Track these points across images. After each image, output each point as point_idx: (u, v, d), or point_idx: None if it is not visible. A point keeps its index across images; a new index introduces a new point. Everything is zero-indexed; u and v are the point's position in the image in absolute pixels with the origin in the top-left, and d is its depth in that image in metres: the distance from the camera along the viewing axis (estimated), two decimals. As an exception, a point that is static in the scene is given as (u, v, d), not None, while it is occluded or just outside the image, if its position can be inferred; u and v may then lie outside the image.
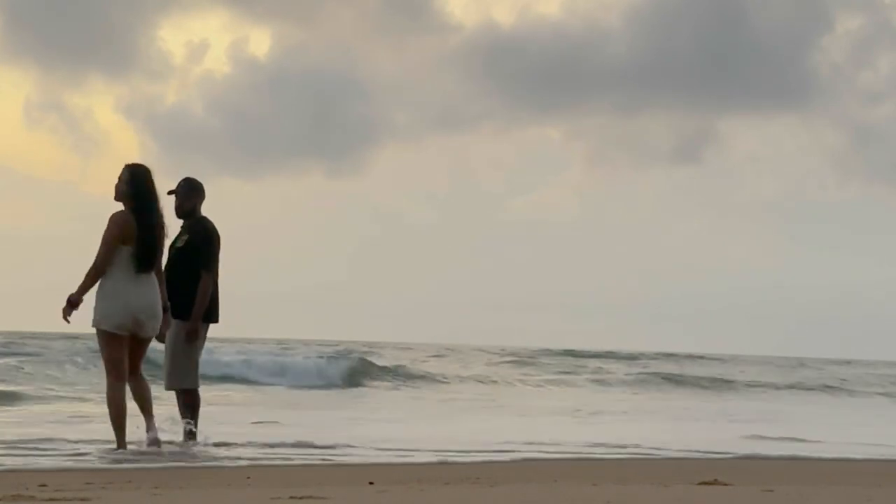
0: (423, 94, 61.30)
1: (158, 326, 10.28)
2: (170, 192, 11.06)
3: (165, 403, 11.34)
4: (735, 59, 53.15)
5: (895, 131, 61.94)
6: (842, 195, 68.30)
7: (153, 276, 10.19)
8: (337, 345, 47.62)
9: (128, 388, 10.24)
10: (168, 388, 11.04)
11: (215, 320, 11.11)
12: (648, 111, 62.40)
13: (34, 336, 40.28)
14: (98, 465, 9.37)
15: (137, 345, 10.24)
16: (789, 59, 53.90)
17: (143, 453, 10.07)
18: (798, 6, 54.63)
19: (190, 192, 11.10)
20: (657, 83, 55.04)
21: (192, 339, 10.87)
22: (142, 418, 10.29)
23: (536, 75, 56.46)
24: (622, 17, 57.00)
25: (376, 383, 28.94)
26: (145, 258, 10.07)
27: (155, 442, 10.19)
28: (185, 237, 11.01)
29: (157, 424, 10.26)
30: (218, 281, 11.06)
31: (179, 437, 10.92)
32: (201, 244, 10.96)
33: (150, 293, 10.13)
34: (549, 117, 65.54)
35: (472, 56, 57.57)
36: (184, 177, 11.18)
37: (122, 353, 10.16)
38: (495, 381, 32.16)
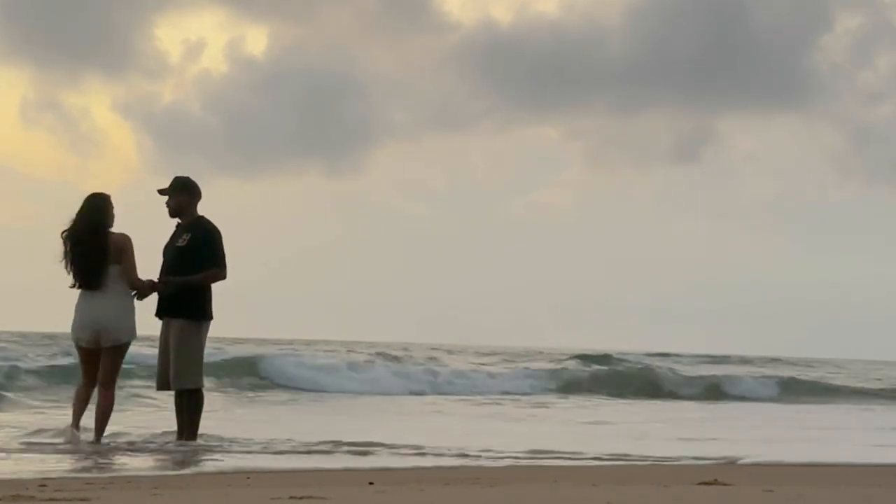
0: (421, 93, 61.22)
1: (110, 338, 10.68)
2: (160, 192, 11.06)
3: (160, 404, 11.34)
4: (734, 58, 53.06)
5: (895, 131, 61.84)
6: (841, 195, 68.23)
7: (104, 292, 10.65)
8: (347, 346, 47.48)
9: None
10: (174, 388, 11.00)
11: (212, 317, 11.10)
12: (647, 110, 62.32)
13: (30, 336, 40.20)
14: (98, 465, 9.38)
15: (103, 356, 10.72)
16: (789, 58, 53.83)
17: (142, 453, 10.11)
18: (797, 5, 54.57)
19: (178, 191, 11.08)
20: (656, 82, 54.96)
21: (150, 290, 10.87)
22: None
23: (535, 74, 56.36)
24: (621, 16, 56.93)
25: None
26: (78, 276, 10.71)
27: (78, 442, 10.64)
28: (185, 236, 10.98)
29: (101, 441, 10.67)
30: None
31: (174, 437, 10.96)
32: (210, 244, 10.93)
33: (97, 307, 10.64)
34: (547, 116, 65.44)
35: (471, 55, 57.49)
36: (175, 175, 11.18)
37: (83, 361, 10.87)
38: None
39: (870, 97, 60.94)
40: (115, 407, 10.90)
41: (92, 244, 10.59)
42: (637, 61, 53.30)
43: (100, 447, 10.43)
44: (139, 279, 10.72)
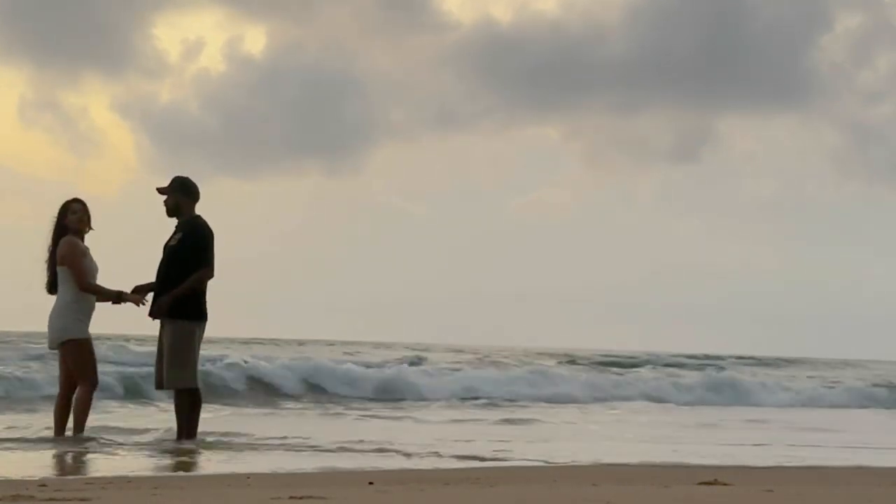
0: (420, 92, 61.05)
1: (49, 339, 10.98)
2: (159, 190, 11.06)
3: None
4: (734, 57, 52.99)
5: (895, 130, 61.79)
6: (841, 195, 68.11)
7: (56, 296, 10.94)
8: (347, 346, 47.35)
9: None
10: (168, 387, 11.03)
11: (206, 318, 11.09)
12: (647, 110, 62.14)
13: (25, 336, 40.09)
14: (98, 465, 9.37)
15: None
16: (788, 57, 53.75)
17: (142, 453, 10.11)
18: (797, 5, 54.48)
19: (176, 191, 11.09)
20: (656, 82, 54.85)
21: (132, 299, 10.89)
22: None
23: (535, 74, 56.22)
24: (621, 15, 56.75)
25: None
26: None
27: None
28: (177, 236, 11.03)
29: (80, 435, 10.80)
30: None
31: (174, 437, 10.97)
32: (195, 242, 10.94)
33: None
34: (547, 116, 65.25)
35: (470, 54, 57.35)
36: (174, 175, 11.19)
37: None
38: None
39: (870, 97, 60.90)
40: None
41: (49, 250, 10.92)
42: (637, 60, 53.27)
43: (82, 441, 10.49)
44: (86, 282, 10.83)
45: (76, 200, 10.94)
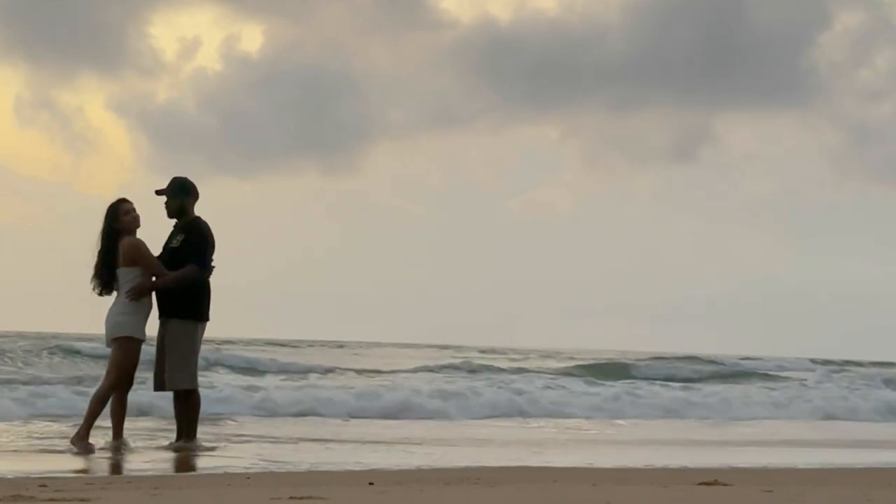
0: (418, 91, 61.02)
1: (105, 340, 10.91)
2: (157, 192, 11.06)
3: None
4: (733, 56, 53.01)
5: (894, 130, 61.82)
6: (840, 194, 68.10)
7: (114, 297, 10.83)
8: (348, 346, 47.30)
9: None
10: (169, 388, 10.99)
11: (208, 318, 11.07)
12: (646, 109, 62.10)
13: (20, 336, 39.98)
14: (98, 465, 9.38)
15: None
16: (788, 56, 53.77)
17: (142, 453, 10.11)
18: (796, 3, 54.53)
19: (176, 192, 11.07)
20: (654, 80, 54.84)
21: (136, 293, 10.80)
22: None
23: (533, 72, 56.23)
24: (620, 14, 56.76)
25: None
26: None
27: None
28: (179, 237, 11.00)
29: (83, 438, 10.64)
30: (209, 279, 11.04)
31: (173, 437, 10.97)
32: (198, 244, 10.92)
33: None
34: (545, 115, 65.22)
35: (468, 53, 57.33)
36: (173, 176, 11.17)
37: None
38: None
39: (869, 96, 60.92)
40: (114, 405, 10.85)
41: (100, 254, 10.83)
42: (635, 59, 53.27)
43: (86, 444, 10.45)
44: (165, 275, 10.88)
45: (125, 201, 10.89)
